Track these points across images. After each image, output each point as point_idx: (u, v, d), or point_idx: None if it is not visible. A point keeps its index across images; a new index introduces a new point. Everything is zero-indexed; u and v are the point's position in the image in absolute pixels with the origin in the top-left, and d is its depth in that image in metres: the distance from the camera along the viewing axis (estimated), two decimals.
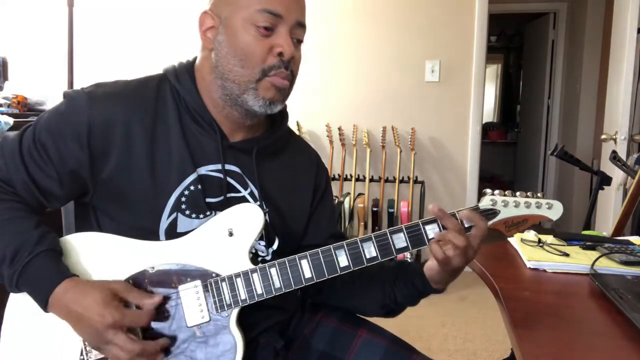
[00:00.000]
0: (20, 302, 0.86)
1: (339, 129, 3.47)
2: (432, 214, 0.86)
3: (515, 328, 0.85)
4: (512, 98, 6.84)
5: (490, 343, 2.48)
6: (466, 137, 3.49)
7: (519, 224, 0.88)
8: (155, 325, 0.86)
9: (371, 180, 3.46)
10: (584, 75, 4.32)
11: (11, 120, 2.03)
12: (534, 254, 1.21)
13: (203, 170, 0.92)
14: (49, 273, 0.81)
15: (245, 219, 0.89)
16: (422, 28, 3.46)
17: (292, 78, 0.92)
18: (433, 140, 3.53)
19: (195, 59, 0.97)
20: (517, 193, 0.88)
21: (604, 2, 4.09)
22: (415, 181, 3.43)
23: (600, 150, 2.98)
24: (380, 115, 3.52)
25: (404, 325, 2.67)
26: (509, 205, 0.87)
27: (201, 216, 0.91)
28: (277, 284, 0.87)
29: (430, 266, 0.92)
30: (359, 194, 3.39)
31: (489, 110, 6.76)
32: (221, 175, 0.93)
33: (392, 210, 3.33)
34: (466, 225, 0.87)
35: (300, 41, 0.92)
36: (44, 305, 0.81)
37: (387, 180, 3.47)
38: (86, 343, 0.84)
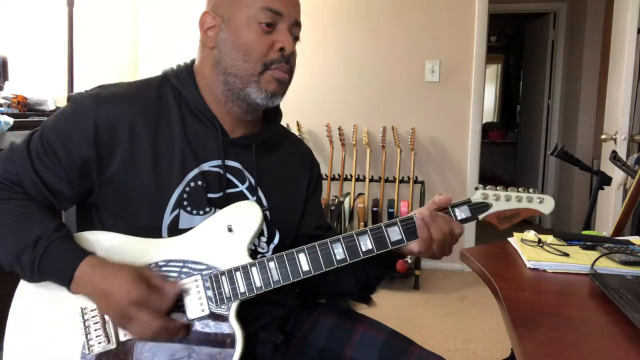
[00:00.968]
0: (25, 297, 0.88)
1: (339, 129, 3.47)
2: (440, 203, 0.90)
3: (515, 328, 0.85)
4: (512, 98, 6.83)
5: (490, 343, 2.48)
6: (466, 137, 3.49)
7: (511, 217, 0.92)
8: None
9: (371, 180, 3.46)
10: (584, 75, 4.32)
11: (11, 120, 2.03)
12: (534, 254, 1.21)
13: (206, 166, 0.95)
14: (71, 252, 0.84)
15: (244, 216, 0.92)
16: (422, 28, 3.46)
17: (291, 72, 0.97)
18: (433, 140, 3.53)
19: (193, 61, 1.01)
20: (509, 188, 0.92)
21: (604, 2, 4.09)
22: (415, 181, 3.43)
23: (600, 150, 2.98)
24: (380, 115, 3.52)
25: (404, 325, 2.67)
26: (500, 199, 0.91)
27: (201, 212, 0.94)
28: (276, 277, 0.89)
29: (410, 248, 0.93)
30: (359, 194, 3.39)
31: (489, 110, 6.76)
32: (221, 171, 0.96)
33: (392, 210, 3.33)
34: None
35: (297, 39, 0.98)
36: (68, 283, 0.83)
37: (387, 180, 3.47)
38: (89, 336, 0.86)
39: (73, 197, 0.93)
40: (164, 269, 0.89)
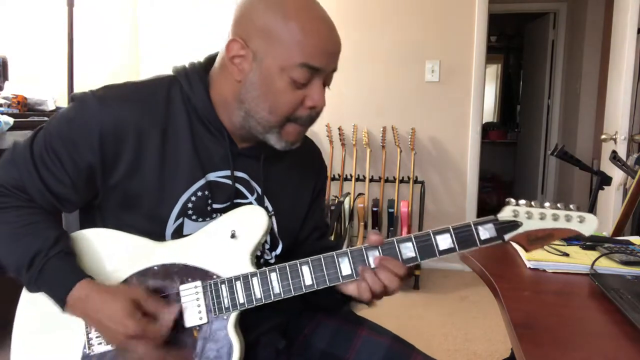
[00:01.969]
0: (31, 297, 0.88)
1: (339, 129, 3.47)
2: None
3: (515, 328, 0.85)
4: (512, 98, 6.83)
5: (490, 343, 2.48)
6: (466, 137, 3.49)
7: (544, 238, 0.81)
8: None
9: (371, 180, 3.46)
10: (584, 75, 4.32)
11: (11, 120, 2.03)
12: (534, 254, 1.21)
13: (212, 176, 0.92)
14: (64, 275, 0.82)
15: (249, 222, 0.89)
16: (422, 28, 3.46)
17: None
18: (433, 140, 3.53)
19: (207, 60, 0.96)
20: (546, 204, 0.81)
21: (604, 2, 4.09)
22: (415, 181, 3.43)
23: (600, 150, 2.98)
24: (380, 115, 3.52)
25: (404, 325, 2.68)
26: (533, 217, 0.81)
27: (208, 219, 0.92)
28: (277, 290, 0.86)
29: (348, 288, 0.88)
30: (359, 194, 3.39)
31: (489, 110, 6.75)
32: (229, 182, 0.93)
33: (392, 210, 3.33)
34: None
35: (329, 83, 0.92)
36: (62, 307, 0.82)
37: (387, 180, 3.47)
38: (90, 336, 0.86)
39: (78, 202, 0.91)
40: (164, 272, 0.88)
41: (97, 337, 0.86)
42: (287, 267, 0.86)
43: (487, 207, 5.03)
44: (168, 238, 0.90)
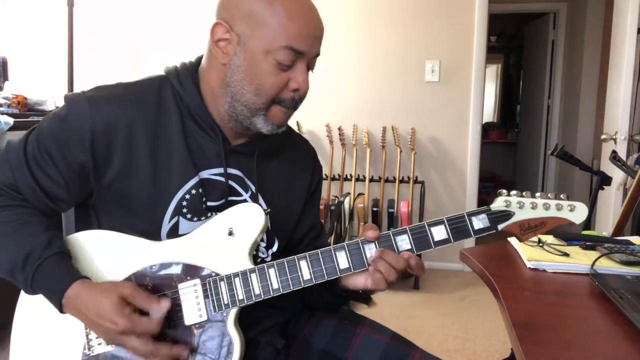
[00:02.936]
0: (30, 298, 0.87)
1: (339, 129, 3.47)
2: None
3: (515, 328, 0.85)
4: (512, 98, 6.83)
5: (490, 343, 2.48)
6: (466, 137, 3.49)
7: (536, 227, 0.84)
8: None
9: (371, 180, 3.46)
10: (584, 75, 4.32)
11: (11, 120, 2.03)
12: (534, 254, 1.21)
13: (205, 174, 0.92)
14: (59, 276, 0.82)
15: (246, 219, 0.89)
16: (422, 28, 3.46)
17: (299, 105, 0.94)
18: (433, 140, 3.53)
19: (198, 60, 0.97)
20: (537, 194, 0.84)
21: (604, 2, 4.09)
22: (415, 181, 3.43)
23: (600, 150, 2.98)
24: (380, 115, 3.52)
25: (404, 325, 2.67)
26: (525, 206, 0.83)
27: (203, 218, 0.92)
28: (276, 285, 0.86)
29: (357, 282, 0.91)
30: (359, 194, 3.39)
31: (489, 110, 6.75)
32: (223, 179, 0.94)
33: (392, 210, 3.33)
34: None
35: (313, 67, 0.93)
36: (59, 308, 0.82)
37: (387, 180, 3.47)
38: (90, 337, 0.86)
39: (72, 201, 0.92)
40: (162, 271, 0.88)
41: (97, 338, 0.86)
42: (285, 263, 0.87)
43: None
44: (164, 238, 0.91)
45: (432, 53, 3.46)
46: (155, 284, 0.87)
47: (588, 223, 2.22)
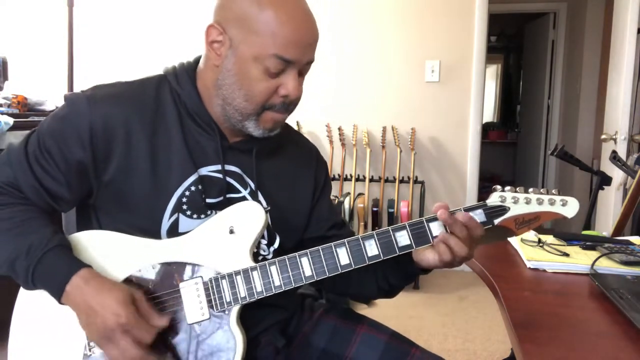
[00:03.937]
0: (28, 299, 0.87)
1: (339, 129, 3.47)
2: (440, 219, 0.84)
3: (515, 328, 0.85)
4: (512, 98, 6.83)
5: (490, 343, 2.48)
6: (466, 137, 3.49)
7: (530, 221, 0.86)
8: None
9: (371, 180, 3.46)
10: (584, 75, 4.32)
11: (11, 120, 2.03)
12: (534, 254, 1.21)
13: (204, 170, 0.93)
14: (64, 264, 0.82)
15: (246, 217, 0.90)
16: (422, 28, 3.46)
17: (291, 111, 0.94)
18: (433, 140, 3.53)
19: (196, 60, 0.97)
20: (530, 189, 0.86)
21: (604, 2, 4.09)
22: (415, 181, 3.43)
23: (600, 150, 2.98)
24: (380, 115, 3.52)
25: (404, 325, 2.67)
26: (519, 201, 0.85)
27: (202, 216, 0.92)
28: (277, 282, 0.87)
29: (427, 258, 0.89)
30: (359, 194, 3.39)
31: (489, 110, 6.75)
32: (221, 176, 0.94)
33: (392, 210, 3.33)
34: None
35: (305, 73, 0.92)
36: (59, 296, 0.81)
37: (387, 180, 3.47)
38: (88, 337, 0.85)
39: (72, 200, 0.92)
40: (163, 270, 0.88)
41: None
42: (287, 260, 0.87)
43: None
44: (164, 236, 0.91)
45: (432, 53, 3.45)
46: (156, 283, 0.88)
47: (588, 223, 2.22)
